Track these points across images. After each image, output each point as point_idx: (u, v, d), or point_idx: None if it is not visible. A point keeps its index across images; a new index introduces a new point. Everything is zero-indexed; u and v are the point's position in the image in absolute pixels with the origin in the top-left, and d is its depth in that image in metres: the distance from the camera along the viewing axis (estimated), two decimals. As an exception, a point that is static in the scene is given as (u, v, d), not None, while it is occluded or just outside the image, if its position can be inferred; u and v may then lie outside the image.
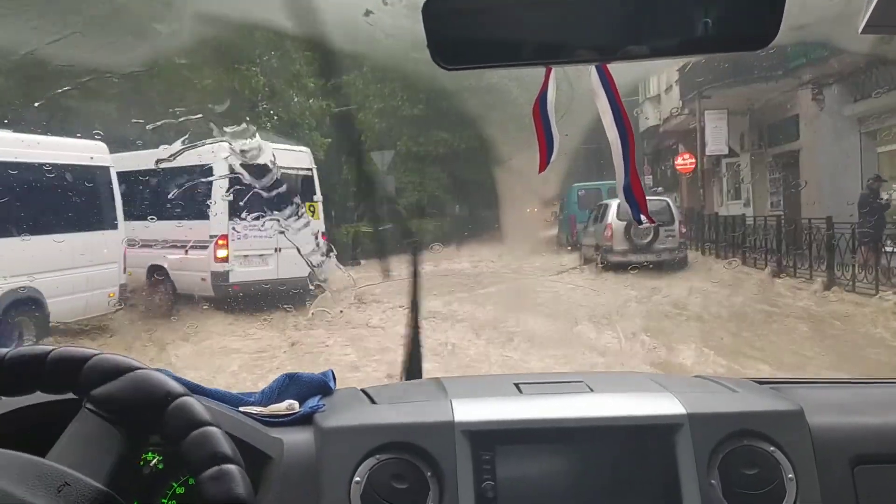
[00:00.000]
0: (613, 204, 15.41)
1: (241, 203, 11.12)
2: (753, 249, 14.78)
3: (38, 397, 1.06)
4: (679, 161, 22.78)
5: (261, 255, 11.96)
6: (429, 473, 1.30)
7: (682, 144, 23.34)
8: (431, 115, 30.76)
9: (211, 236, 11.63)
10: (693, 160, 22.59)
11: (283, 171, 10.86)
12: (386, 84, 31.57)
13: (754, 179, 18.65)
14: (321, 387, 1.51)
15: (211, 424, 0.97)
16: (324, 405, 1.44)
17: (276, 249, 11.87)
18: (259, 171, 10.56)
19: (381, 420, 1.39)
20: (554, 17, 0.96)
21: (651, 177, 26.59)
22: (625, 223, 14.96)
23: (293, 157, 12.47)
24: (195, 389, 1.26)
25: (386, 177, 24.33)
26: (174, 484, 1.30)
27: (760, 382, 1.63)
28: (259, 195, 10.77)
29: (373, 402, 1.50)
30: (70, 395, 1.02)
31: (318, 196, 13.01)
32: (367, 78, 31.98)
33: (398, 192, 28.56)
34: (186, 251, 11.67)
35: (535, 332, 9.15)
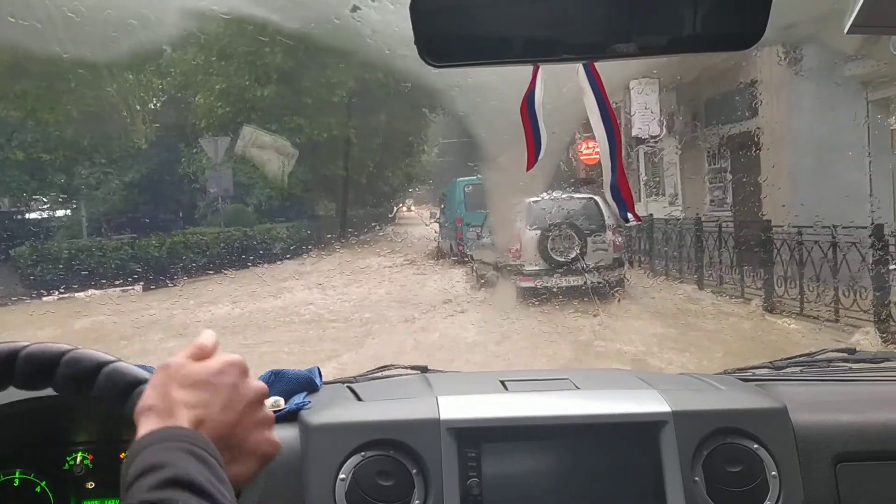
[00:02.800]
0: (522, 206, 10.73)
1: None
2: (711, 264, 10.48)
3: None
4: (583, 150, 18.49)
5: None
6: (414, 470, 1.29)
7: (583, 131, 19.06)
8: (286, 97, 25.27)
9: None
10: (598, 149, 18.38)
11: None
12: (231, 61, 25.75)
13: (685, 171, 14.52)
14: (307, 383, 1.48)
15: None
16: (309, 402, 1.42)
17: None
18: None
19: (367, 417, 1.37)
20: (542, 15, 0.95)
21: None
22: (538, 232, 10.31)
23: None
24: None
25: (221, 170, 18.55)
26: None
27: (745, 380, 1.60)
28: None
29: (359, 398, 1.47)
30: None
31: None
32: (207, 53, 26.17)
33: (243, 189, 22.82)
34: None
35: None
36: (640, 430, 1.34)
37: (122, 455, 0.80)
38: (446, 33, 0.96)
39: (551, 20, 0.94)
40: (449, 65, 0.99)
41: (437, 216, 20.11)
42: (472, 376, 2.04)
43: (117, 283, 14.94)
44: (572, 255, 10.18)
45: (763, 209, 11.38)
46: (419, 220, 34.65)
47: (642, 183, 16.17)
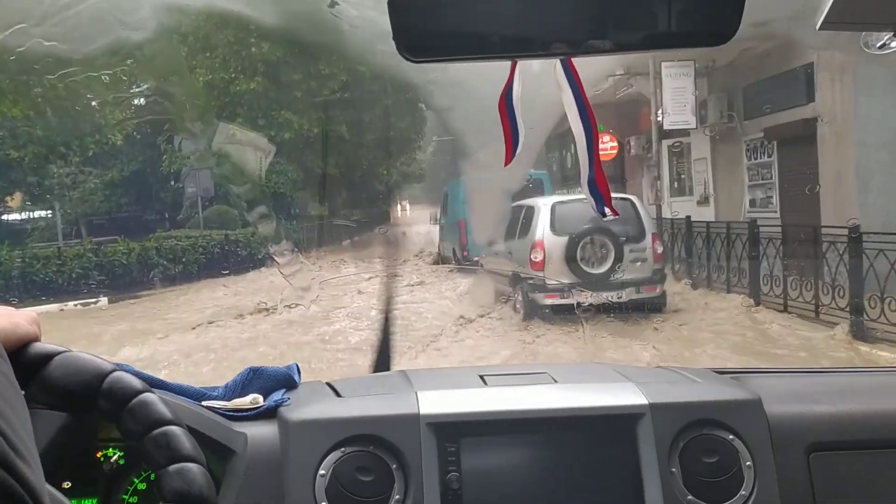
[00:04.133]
0: (544, 207, 8.96)
1: None
2: (772, 279, 8.69)
3: None
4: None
5: None
6: (394, 465, 1.26)
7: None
8: (274, 91, 23.51)
9: None
10: (615, 144, 16.68)
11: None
12: (216, 52, 24.01)
13: (718, 167, 12.77)
14: (286, 380, 1.44)
15: (173, 423, 0.96)
16: (288, 399, 1.38)
17: None
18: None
19: (347, 413, 1.33)
20: (519, 11, 0.95)
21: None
22: (565, 239, 8.56)
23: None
24: (156, 384, 1.19)
25: (199, 167, 16.70)
26: (135, 480, 1.26)
27: (720, 372, 1.59)
28: None
29: (338, 395, 1.44)
30: None
31: None
32: (190, 44, 24.41)
33: (227, 189, 20.98)
34: None
35: None
36: (618, 423, 1.33)
37: None
38: (424, 28, 0.95)
39: (528, 16, 0.94)
40: (426, 60, 1.00)
41: (438, 217, 18.32)
42: (451, 371, 1.97)
43: (80, 295, 13.12)
44: (606, 267, 8.46)
45: (821, 211, 9.66)
46: (415, 221, 32.94)
47: (666, 181, 14.44)
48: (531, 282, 8.72)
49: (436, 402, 1.33)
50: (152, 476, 1.22)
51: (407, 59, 0.95)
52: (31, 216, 24.24)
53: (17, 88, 18.39)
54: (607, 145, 16.86)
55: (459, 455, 1.28)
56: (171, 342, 9.21)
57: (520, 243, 9.15)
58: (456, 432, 1.29)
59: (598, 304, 8.57)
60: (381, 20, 0.94)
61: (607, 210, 1.38)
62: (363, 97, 22.17)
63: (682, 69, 11.17)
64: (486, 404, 1.36)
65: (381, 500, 1.24)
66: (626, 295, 8.57)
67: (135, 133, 24.50)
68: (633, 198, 9.09)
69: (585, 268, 8.48)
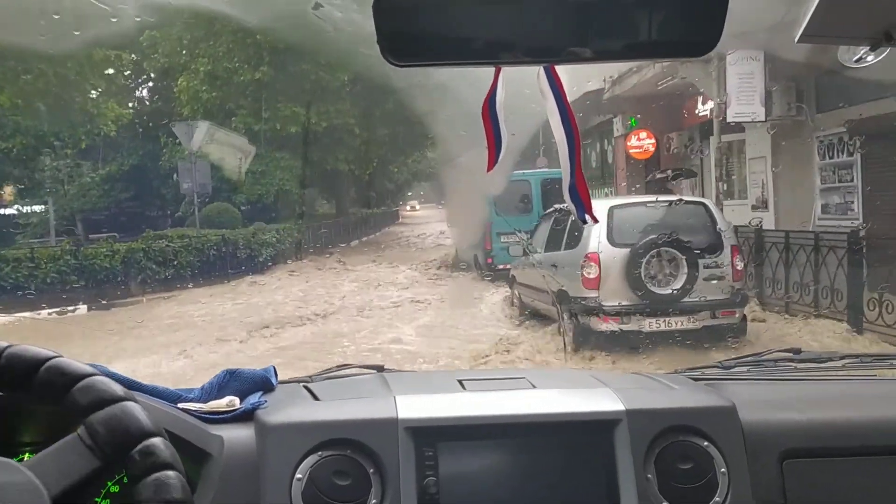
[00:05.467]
0: (599, 212, 7.28)
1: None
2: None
3: None
4: (633, 143, 15.10)
5: None
6: (371, 470, 1.24)
7: (624, 118, 15.74)
8: (280, 81, 21.99)
9: None
10: (653, 141, 15.03)
11: None
12: (220, 40, 22.55)
13: (781, 167, 11.08)
14: (262, 383, 1.40)
15: (154, 435, 0.95)
16: (265, 401, 1.35)
17: None
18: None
19: (324, 416, 1.31)
20: (503, 18, 0.95)
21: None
22: (626, 251, 6.92)
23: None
24: (132, 386, 1.14)
25: (194, 162, 15.11)
26: (108, 483, 1.23)
27: (695, 379, 1.59)
28: None
29: (315, 398, 1.41)
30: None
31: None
32: (192, 30, 22.94)
33: (228, 184, 19.45)
34: None
35: None
36: (595, 429, 1.32)
37: None
38: (409, 32, 0.96)
39: (512, 23, 0.95)
40: (411, 64, 1.00)
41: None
42: (430, 375, 2.01)
43: (55, 303, 11.52)
44: (678, 286, 6.81)
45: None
46: (425, 220, 31.28)
47: (714, 182, 12.78)
48: (582, 302, 7.08)
49: (414, 407, 1.31)
50: (125, 479, 1.19)
51: (390, 63, 0.96)
52: (22, 211, 22.77)
53: (2, 75, 16.94)
54: (644, 143, 15.23)
55: (437, 460, 1.26)
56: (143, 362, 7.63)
57: (567, 255, 7.49)
58: (434, 437, 1.28)
59: (665, 332, 6.94)
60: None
61: (587, 217, 1.38)
62: (375, 89, 20.44)
63: (751, 53, 9.53)
64: (464, 409, 1.34)
65: None
66: (700, 320, 6.93)
67: (135, 124, 23.04)
68: (707, 201, 7.44)
69: (651, 287, 6.84)
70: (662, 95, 13.85)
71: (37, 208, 22.82)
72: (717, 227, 7.17)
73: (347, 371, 1.68)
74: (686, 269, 6.85)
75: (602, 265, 7.00)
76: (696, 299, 6.98)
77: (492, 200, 12.40)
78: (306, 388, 1.47)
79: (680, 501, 1.27)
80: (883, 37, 1.02)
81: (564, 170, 1.33)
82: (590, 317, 7.05)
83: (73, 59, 17.25)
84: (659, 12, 0.94)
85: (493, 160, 1.32)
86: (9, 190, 22.03)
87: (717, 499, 1.28)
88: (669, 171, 12.27)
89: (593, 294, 7.06)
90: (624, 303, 6.98)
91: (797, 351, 1.78)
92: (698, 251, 6.93)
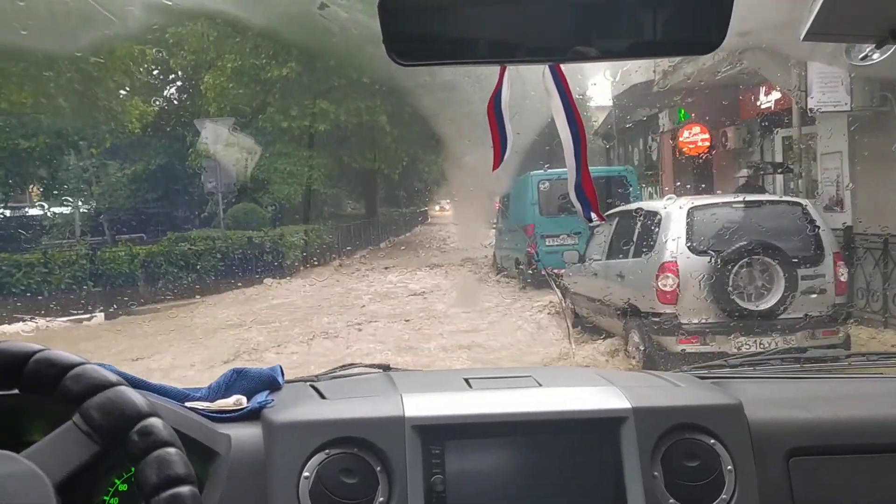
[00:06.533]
0: (676, 213, 6.25)
1: None
2: None
3: None
4: (685, 138, 13.99)
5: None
6: (378, 468, 1.22)
7: (671, 112, 14.67)
8: (308, 78, 21.23)
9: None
10: (706, 136, 13.91)
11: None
12: (247, 35, 21.80)
13: (859, 163, 9.93)
14: (269, 382, 1.40)
15: (151, 415, 0.93)
16: (272, 400, 1.34)
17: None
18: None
19: (331, 415, 1.29)
20: (508, 18, 0.95)
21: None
22: (709, 260, 5.86)
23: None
24: (138, 384, 1.14)
25: (219, 161, 14.29)
26: (116, 481, 1.21)
27: (702, 377, 1.58)
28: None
29: (322, 396, 1.39)
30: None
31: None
32: (219, 27, 22.24)
33: (255, 183, 18.68)
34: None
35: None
36: (601, 426, 1.30)
37: None
38: (414, 32, 0.96)
39: (517, 23, 0.95)
40: (416, 63, 0.99)
41: (495, 221, 15.70)
42: (436, 374, 2.02)
43: (72, 309, 10.76)
44: (773, 301, 5.76)
45: None
46: (454, 221, 30.15)
47: (777, 178, 11.63)
48: (656, 319, 6.05)
49: (421, 405, 1.30)
50: (132, 471, 1.11)
51: (396, 62, 0.95)
52: (47, 212, 22.25)
53: (24, 71, 16.31)
54: (696, 138, 14.10)
55: (444, 458, 1.25)
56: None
57: (636, 264, 6.46)
58: (440, 435, 1.27)
59: (757, 352, 5.89)
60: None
61: (593, 215, 1.37)
62: (407, 85, 19.45)
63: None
64: (471, 407, 1.32)
65: (365, 502, 1.20)
66: (797, 341, 5.86)
67: (161, 122, 22.41)
68: (806, 202, 6.33)
69: (740, 302, 5.79)
70: (718, 87, 12.74)
71: (63, 210, 22.29)
72: (820, 231, 6.08)
73: (353, 370, 1.68)
74: (783, 282, 5.77)
75: (681, 276, 5.96)
76: (794, 316, 5.90)
77: (536, 202, 11.39)
78: (313, 386, 1.46)
79: (686, 499, 1.26)
80: (888, 34, 1.01)
81: (570, 168, 1.31)
82: (665, 336, 6.00)
83: (96, 54, 16.59)
84: (664, 11, 0.94)
85: (498, 159, 1.33)
86: (34, 190, 21.50)
87: (724, 496, 1.27)
88: (769, 165, 11.15)
89: (670, 310, 6.02)
90: (707, 320, 5.93)
91: (802, 350, 1.83)
92: (796, 259, 5.85)
